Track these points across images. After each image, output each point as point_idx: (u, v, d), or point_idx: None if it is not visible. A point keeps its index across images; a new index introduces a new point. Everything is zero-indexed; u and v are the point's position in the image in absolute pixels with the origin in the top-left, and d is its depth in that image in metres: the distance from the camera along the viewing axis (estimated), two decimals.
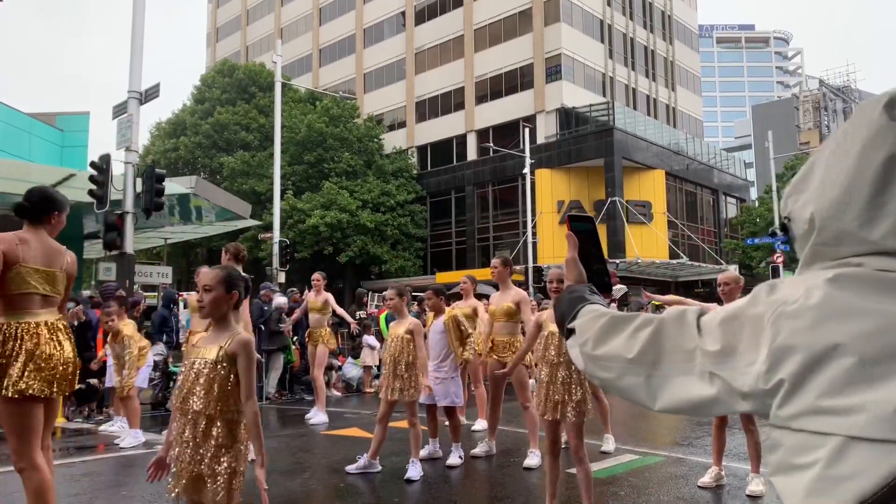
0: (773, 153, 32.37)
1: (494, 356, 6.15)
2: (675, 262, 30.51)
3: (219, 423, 2.63)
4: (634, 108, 37.83)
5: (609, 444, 6.31)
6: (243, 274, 3.13)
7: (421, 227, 35.85)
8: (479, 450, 6.11)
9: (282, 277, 20.03)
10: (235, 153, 36.20)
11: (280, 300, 11.36)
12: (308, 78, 46.01)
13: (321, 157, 34.10)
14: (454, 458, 5.75)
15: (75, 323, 9.06)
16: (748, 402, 0.88)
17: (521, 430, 6.34)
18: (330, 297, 8.85)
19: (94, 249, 23.03)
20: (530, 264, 25.89)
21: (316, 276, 8.96)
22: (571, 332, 1.19)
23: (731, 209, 41.12)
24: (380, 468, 5.53)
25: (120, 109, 13.59)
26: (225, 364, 2.67)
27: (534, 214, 29.56)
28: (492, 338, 6.19)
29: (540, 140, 33.59)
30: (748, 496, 4.65)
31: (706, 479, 4.95)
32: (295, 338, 11.48)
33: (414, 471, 5.27)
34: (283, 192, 25.99)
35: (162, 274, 18.47)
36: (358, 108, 38.19)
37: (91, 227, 20.01)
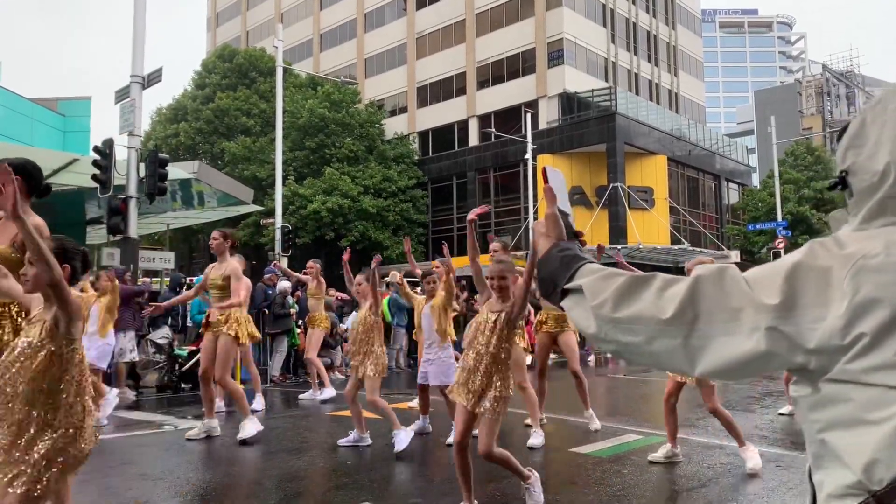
0: (775, 138, 32.27)
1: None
2: (676, 248, 30.52)
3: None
4: (637, 93, 37.67)
5: (594, 422, 6.32)
6: (80, 247, 2.94)
7: (422, 213, 35.84)
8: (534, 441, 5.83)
9: (284, 263, 20.08)
10: (236, 139, 36.12)
11: (284, 284, 11.41)
12: (309, 63, 45.81)
13: (322, 143, 34.04)
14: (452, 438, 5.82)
15: None
16: (810, 357, 0.86)
17: (520, 411, 6.40)
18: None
19: (96, 235, 23.05)
20: (531, 250, 25.86)
21: (309, 263, 9.24)
22: (568, 292, 1.11)
23: (733, 195, 41.05)
24: (370, 441, 5.79)
25: (122, 94, 13.57)
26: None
27: (535, 200, 29.54)
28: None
29: (542, 125, 33.48)
30: (749, 474, 4.71)
31: (658, 454, 5.10)
32: (300, 321, 11.55)
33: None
34: (284, 178, 25.95)
35: (164, 259, 18.52)
36: (359, 93, 38.05)
37: (93, 213, 20.02)
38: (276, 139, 21.90)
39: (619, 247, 26.75)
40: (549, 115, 34.30)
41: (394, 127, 38.63)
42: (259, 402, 7.88)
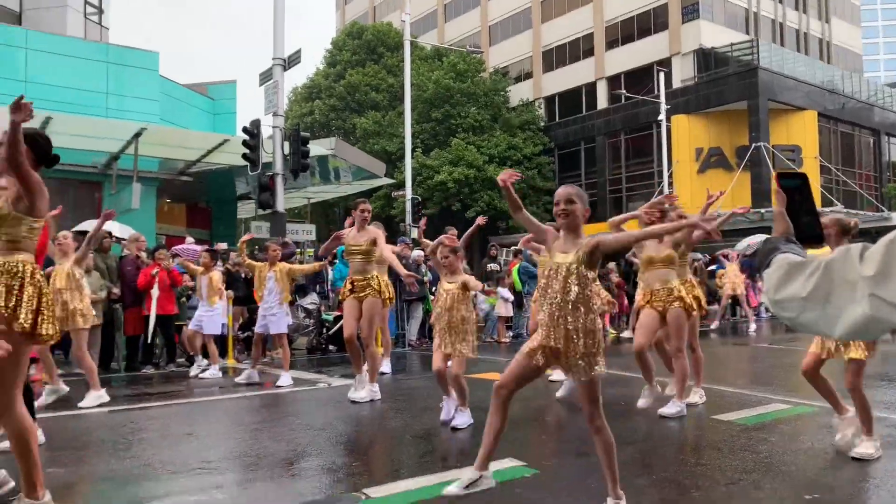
0: None
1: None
2: (828, 210, 28.22)
3: None
4: (782, 44, 34.85)
5: (696, 397, 6.10)
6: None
7: (549, 180, 35.46)
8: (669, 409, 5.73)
9: (415, 233, 20.71)
10: (367, 114, 37.31)
11: (417, 253, 11.84)
12: (433, 35, 46.21)
13: (448, 114, 34.43)
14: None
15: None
16: None
17: (635, 375, 6.33)
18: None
19: (244, 210, 24.87)
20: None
21: (450, 231, 9.43)
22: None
23: (893, 150, 37.22)
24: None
25: (266, 76, 14.47)
26: None
27: (670, 163, 28.38)
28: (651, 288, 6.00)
29: (676, 84, 31.91)
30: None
31: (847, 432, 4.70)
32: (433, 288, 11.95)
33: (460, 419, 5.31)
34: (412, 150, 26.60)
35: (306, 231, 19.64)
36: (483, 61, 37.99)
37: (242, 189, 21.58)
38: (405, 112, 22.46)
39: (762, 210, 25.19)
40: (683, 73, 32.60)
41: (519, 94, 38.29)
42: (387, 366, 8.27)
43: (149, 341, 9.08)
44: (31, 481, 3.17)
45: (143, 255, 9.52)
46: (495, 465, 4.10)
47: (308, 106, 40.21)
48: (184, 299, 9.63)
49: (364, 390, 6.30)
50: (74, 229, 12.84)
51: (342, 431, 5.19)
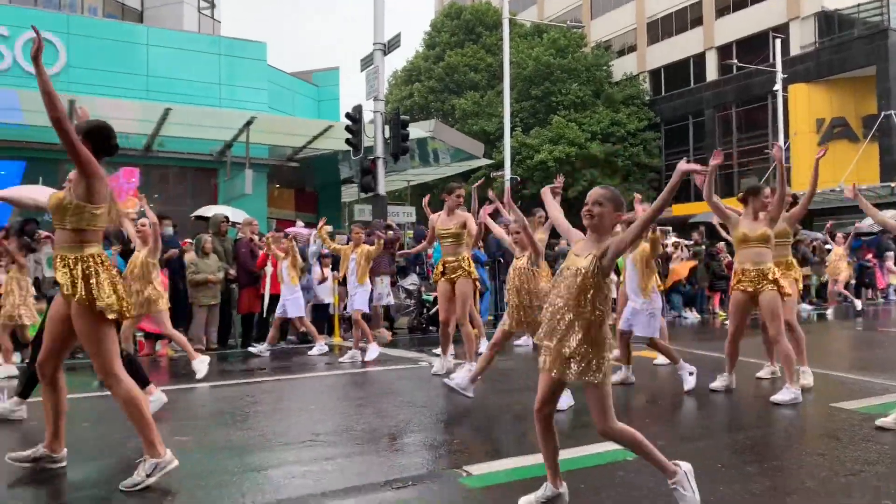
0: None
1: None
2: None
3: None
4: None
5: (807, 377, 5.87)
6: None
7: (654, 157, 34.22)
8: (717, 383, 5.84)
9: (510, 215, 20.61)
10: (465, 94, 37.32)
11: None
12: (533, 11, 45.40)
13: (548, 91, 33.86)
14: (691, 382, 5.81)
15: None
16: None
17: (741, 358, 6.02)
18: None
19: (347, 193, 25.65)
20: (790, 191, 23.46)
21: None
22: None
23: None
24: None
25: (367, 62, 14.78)
26: None
27: (786, 136, 26.67)
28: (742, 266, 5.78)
29: (794, 51, 29.82)
30: None
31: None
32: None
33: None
34: (511, 129, 26.38)
35: (407, 213, 20.01)
36: (585, 36, 37.00)
37: (345, 173, 22.25)
38: (504, 91, 22.29)
39: (892, 185, 23.23)
40: (802, 38, 30.39)
41: (622, 68, 37.07)
42: (483, 345, 8.31)
43: (264, 316, 9.59)
44: (150, 440, 3.49)
45: (256, 238, 10.05)
46: (596, 448, 4.07)
47: (408, 89, 40.69)
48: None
49: (462, 373, 6.36)
50: (193, 214, 13.76)
51: (443, 409, 5.30)
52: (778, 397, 5.30)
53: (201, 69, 18.61)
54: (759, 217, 5.62)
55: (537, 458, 3.83)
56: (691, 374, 5.83)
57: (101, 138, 3.60)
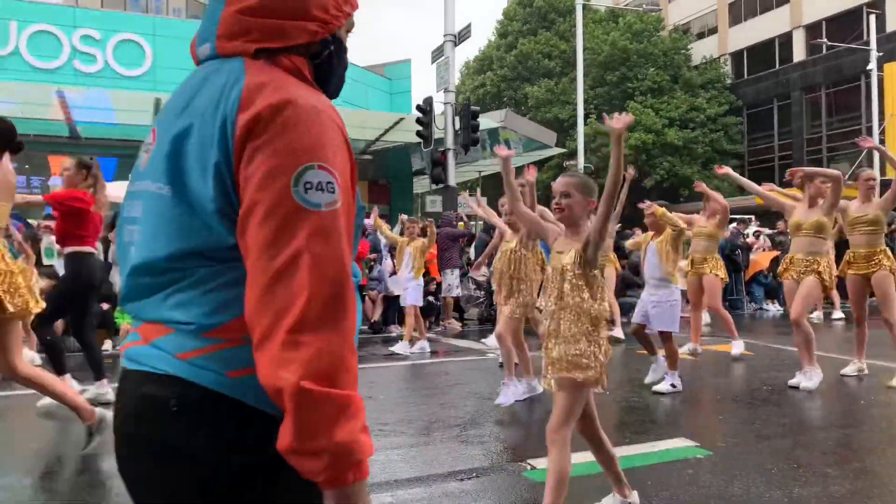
0: None
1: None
2: None
3: None
4: None
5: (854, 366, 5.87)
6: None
7: (736, 143, 32.86)
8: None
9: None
10: (539, 82, 36.89)
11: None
12: None
13: (624, 77, 33.04)
14: (665, 385, 5.43)
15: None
16: None
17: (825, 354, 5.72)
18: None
19: (419, 185, 25.86)
20: (878, 177, 22.14)
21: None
22: None
23: None
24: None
25: (438, 53, 14.83)
26: None
27: (881, 118, 25.07)
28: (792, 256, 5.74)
29: (890, 28, 27.95)
30: None
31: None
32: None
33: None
34: (585, 117, 25.87)
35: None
36: (662, 19, 35.86)
37: (417, 165, 22.45)
38: (577, 77, 21.93)
39: None
40: None
41: (701, 51, 35.72)
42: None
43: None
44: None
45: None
46: (666, 444, 3.99)
47: (480, 79, 40.59)
48: (366, 270, 10.27)
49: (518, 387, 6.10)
50: None
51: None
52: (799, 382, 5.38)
53: None
54: (816, 204, 5.44)
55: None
56: (673, 386, 5.43)
57: (5, 137, 3.69)
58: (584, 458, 3.74)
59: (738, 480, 3.41)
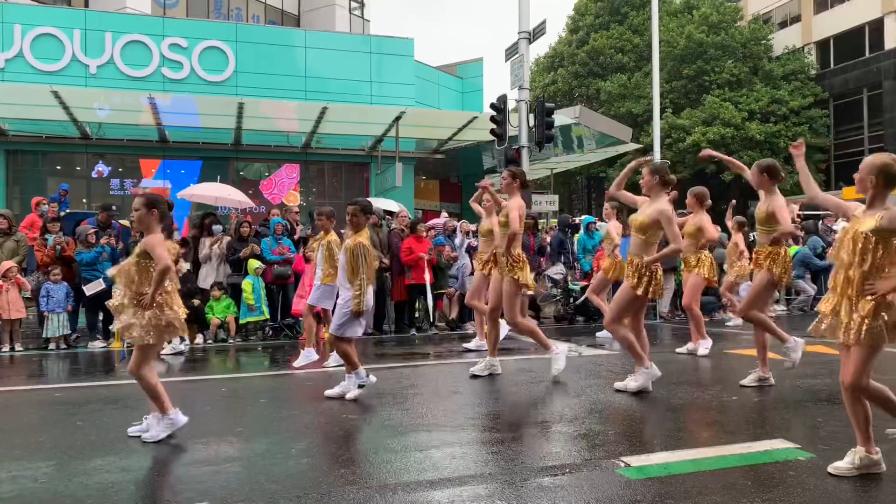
0: None
1: None
2: None
3: None
4: None
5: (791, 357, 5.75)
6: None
7: (822, 136, 31.36)
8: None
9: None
10: (611, 77, 36.26)
11: None
12: None
13: (701, 70, 32.05)
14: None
15: None
16: None
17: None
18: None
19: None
20: None
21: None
22: None
23: None
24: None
25: (512, 50, 14.80)
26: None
27: None
28: None
29: None
30: None
31: None
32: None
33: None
34: (661, 111, 25.24)
35: (550, 202, 19.86)
36: (741, 10, 34.59)
37: (488, 164, 22.46)
38: (653, 71, 21.41)
39: None
40: None
41: (783, 41, 34.27)
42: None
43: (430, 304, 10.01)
44: None
45: (407, 229, 10.46)
46: (764, 445, 3.89)
47: (550, 76, 40.22)
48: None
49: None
50: (380, 207, 14.53)
51: (595, 399, 5.26)
52: None
53: (353, 68, 19.51)
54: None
55: (696, 453, 3.77)
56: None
57: None
58: (681, 456, 3.70)
59: (846, 482, 3.30)
